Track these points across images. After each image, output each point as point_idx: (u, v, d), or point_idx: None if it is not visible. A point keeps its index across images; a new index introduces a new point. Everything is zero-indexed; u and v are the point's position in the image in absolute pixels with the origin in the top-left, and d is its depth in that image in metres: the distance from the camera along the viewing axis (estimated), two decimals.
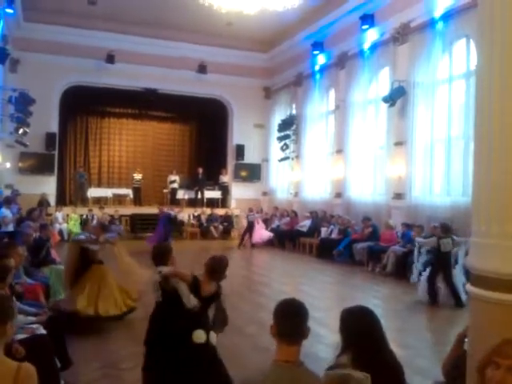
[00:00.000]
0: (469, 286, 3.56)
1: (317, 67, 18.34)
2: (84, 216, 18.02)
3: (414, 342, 6.59)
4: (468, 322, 3.53)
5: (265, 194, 22.19)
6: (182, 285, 3.96)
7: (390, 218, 13.70)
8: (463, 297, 8.37)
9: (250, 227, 17.81)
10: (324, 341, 6.31)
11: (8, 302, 2.66)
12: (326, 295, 9.95)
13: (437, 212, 12.29)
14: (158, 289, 4.15)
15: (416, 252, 10.11)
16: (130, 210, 20.04)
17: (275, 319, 2.49)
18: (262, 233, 17.91)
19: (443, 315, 8.26)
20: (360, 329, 2.94)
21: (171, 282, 4.03)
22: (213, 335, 3.92)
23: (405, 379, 3.07)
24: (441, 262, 9.02)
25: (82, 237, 7.49)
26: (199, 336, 3.80)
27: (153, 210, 20.03)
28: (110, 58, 19.12)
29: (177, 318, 3.88)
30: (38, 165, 18.80)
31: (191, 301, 3.88)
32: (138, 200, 21.41)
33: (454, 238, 9.10)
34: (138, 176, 21.68)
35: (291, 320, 2.46)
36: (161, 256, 4.38)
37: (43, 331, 4.47)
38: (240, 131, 22.08)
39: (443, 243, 8.94)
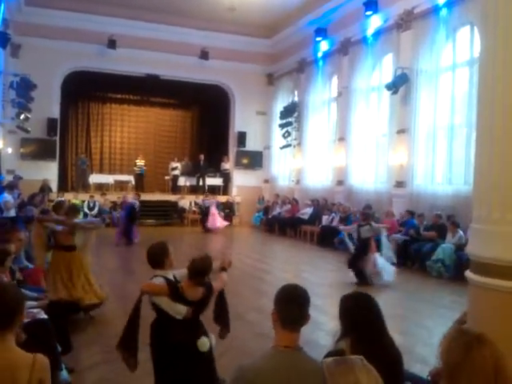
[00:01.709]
0: (468, 273, 3.56)
1: (320, 54, 18.21)
2: (86, 202, 18.05)
3: (415, 330, 6.61)
4: (467, 308, 3.54)
5: (266, 181, 22.17)
6: (163, 300, 3.65)
7: (392, 206, 13.70)
8: (383, 279, 9.26)
9: (206, 213, 18.20)
10: (324, 328, 6.33)
11: (20, 292, 2.67)
12: (326, 282, 9.98)
13: (438, 200, 12.29)
14: (149, 303, 3.82)
15: (347, 239, 10.80)
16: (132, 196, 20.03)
17: (277, 305, 2.49)
18: (215, 218, 18.21)
19: (444, 303, 8.29)
20: (359, 315, 2.94)
21: (151, 301, 3.72)
22: (212, 337, 3.83)
23: (403, 365, 3.08)
24: (361, 248, 9.64)
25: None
26: (204, 344, 3.67)
27: (155, 196, 20.10)
28: (112, 44, 19.01)
29: (175, 329, 3.65)
30: (40, 150, 18.78)
31: (180, 311, 3.64)
32: (140, 187, 21.42)
33: (373, 225, 9.74)
34: (140, 162, 21.66)
35: (294, 306, 2.47)
36: (155, 258, 3.92)
37: (44, 316, 4.49)
38: (242, 118, 22.00)
39: (362, 230, 9.59)
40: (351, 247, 10.30)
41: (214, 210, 18.32)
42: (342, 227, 11.33)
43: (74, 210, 7.25)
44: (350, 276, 9.64)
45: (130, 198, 16.21)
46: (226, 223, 18.51)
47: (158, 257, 3.91)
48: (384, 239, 10.11)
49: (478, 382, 1.88)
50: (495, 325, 3.11)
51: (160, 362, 3.73)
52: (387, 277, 9.32)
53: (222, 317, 4.02)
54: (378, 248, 9.83)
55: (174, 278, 3.87)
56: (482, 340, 1.94)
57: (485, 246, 3.38)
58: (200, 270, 3.74)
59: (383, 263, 9.43)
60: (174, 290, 3.62)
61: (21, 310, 2.53)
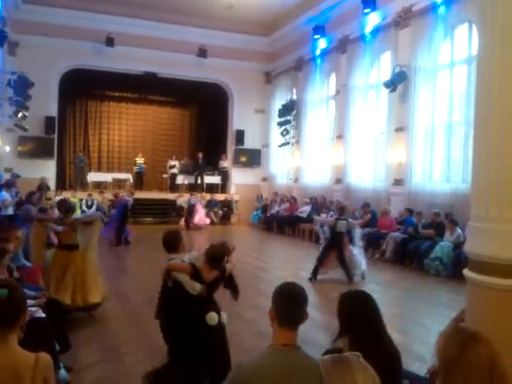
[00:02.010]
0: (466, 271, 3.56)
1: (318, 51, 18.19)
2: (84, 201, 18.02)
3: (412, 328, 6.62)
4: (464, 307, 3.54)
5: (264, 179, 22.17)
6: (183, 276, 4.12)
7: (390, 205, 13.71)
8: (358, 275, 9.53)
9: (191, 210, 18.46)
10: (322, 326, 6.33)
11: (23, 292, 2.66)
12: (324, 281, 9.97)
13: (436, 198, 12.30)
14: (168, 277, 4.31)
15: (319, 229, 10.73)
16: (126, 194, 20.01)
17: (275, 304, 2.49)
18: (201, 216, 18.59)
19: (442, 301, 8.30)
20: (357, 313, 2.94)
21: (172, 275, 4.20)
22: (224, 316, 4.15)
23: (401, 363, 3.08)
24: (335, 241, 9.75)
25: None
26: (212, 318, 3.99)
27: (153, 195, 20.10)
28: (110, 41, 18.96)
29: (187, 303, 4.07)
30: (38, 149, 18.73)
31: (196, 288, 4.06)
32: (139, 185, 21.39)
33: (349, 220, 9.95)
34: (140, 160, 21.62)
35: (292, 305, 2.47)
36: (170, 244, 4.47)
37: (42, 314, 4.48)
38: (240, 116, 21.98)
39: (339, 224, 9.69)
40: (323, 237, 10.32)
41: (199, 208, 18.47)
42: (317, 218, 11.16)
43: (70, 207, 7.23)
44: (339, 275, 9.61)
45: (124, 195, 16.01)
46: (207, 221, 18.98)
47: (172, 242, 4.47)
48: (357, 233, 10.14)
49: (473, 379, 1.88)
50: (493, 323, 3.12)
51: (172, 331, 4.19)
52: (363, 266, 9.70)
53: (232, 286, 4.44)
54: (350, 240, 10.01)
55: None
56: (477, 338, 1.94)
57: (483, 244, 3.38)
58: (218, 256, 4.18)
59: (357, 254, 9.76)
60: (194, 271, 4.08)
61: (25, 310, 2.53)
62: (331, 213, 15.49)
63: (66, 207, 7.20)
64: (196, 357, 4.04)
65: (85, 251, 6.62)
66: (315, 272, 9.62)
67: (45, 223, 6.79)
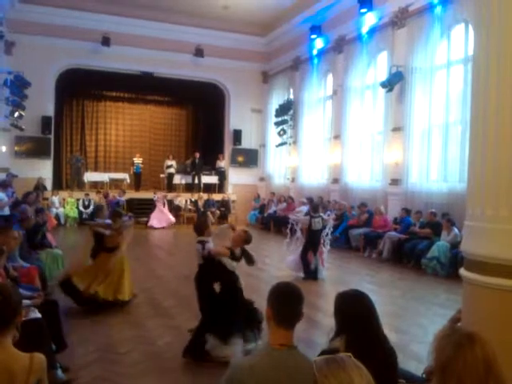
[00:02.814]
0: (462, 271, 3.56)
1: (314, 51, 18.20)
2: (81, 200, 18.01)
3: (409, 328, 6.62)
4: (461, 306, 3.54)
5: (262, 179, 22.17)
6: (224, 258, 5.34)
7: (387, 204, 13.74)
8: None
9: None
10: (319, 325, 6.34)
11: (18, 294, 2.65)
12: (321, 280, 9.98)
13: (433, 198, 12.32)
14: (199, 255, 5.64)
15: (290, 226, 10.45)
16: (127, 194, 20.00)
17: (272, 303, 2.49)
18: (160, 216, 18.16)
19: (439, 300, 8.31)
20: (354, 312, 2.94)
21: (216, 258, 5.38)
22: (242, 282, 5.50)
23: (398, 363, 3.08)
24: (312, 239, 9.76)
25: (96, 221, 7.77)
26: (241, 282, 5.46)
27: (150, 194, 20.06)
28: (106, 41, 18.94)
29: (227, 276, 5.36)
30: (34, 148, 18.69)
31: (233, 265, 5.38)
32: (137, 184, 21.37)
33: (323, 216, 9.99)
34: (138, 160, 21.60)
35: (290, 304, 2.47)
36: (200, 228, 5.87)
37: (38, 314, 4.47)
38: (237, 116, 21.98)
39: (314, 222, 9.71)
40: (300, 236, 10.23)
41: (160, 207, 18.30)
42: (292, 216, 10.72)
43: (118, 213, 7.58)
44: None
45: (116, 195, 15.84)
46: (172, 221, 18.43)
47: (201, 227, 5.88)
48: (329, 229, 10.14)
49: (468, 380, 1.88)
50: (489, 322, 3.12)
51: (212, 298, 5.34)
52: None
53: (247, 256, 5.56)
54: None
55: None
56: (473, 338, 1.95)
57: (478, 243, 3.38)
58: (248, 240, 5.52)
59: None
60: (232, 253, 5.35)
61: (20, 311, 2.52)
62: (328, 212, 15.51)
63: (114, 213, 7.61)
64: (230, 313, 5.22)
65: (122, 253, 7.20)
66: (308, 271, 9.65)
67: (95, 229, 7.25)
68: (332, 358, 1.70)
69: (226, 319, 5.18)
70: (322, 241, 9.88)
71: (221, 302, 5.29)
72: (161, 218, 18.23)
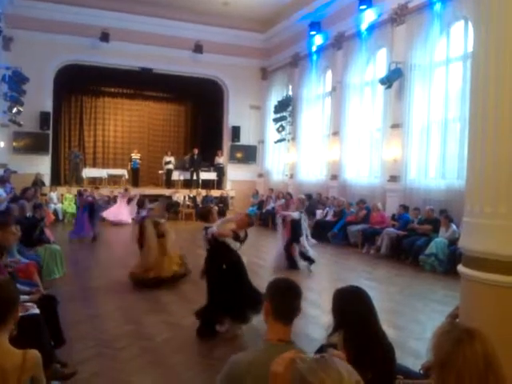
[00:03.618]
0: (460, 267, 3.57)
1: (314, 48, 18.17)
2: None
3: (407, 324, 6.63)
4: (459, 303, 3.55)
5: (260, 175, 22.16)
6: (228, 239, 5.89)
7: (386, 201, 13.74)
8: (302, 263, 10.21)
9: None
10: (317, 321, 6.34)
11: (15, 289, 2.61)
12: (320, 277, 10.00)
13: (432, 195, 12.33)
14: (206, 240, 6.05)
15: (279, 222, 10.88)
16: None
17: (270, 298, 2.49)
18: (117, 211, 17.42)
19: (437, 297, 8.33)
20: (352, 308, 2.94)
21: (219, 239, 5.89)
22: (245, 258, 6.13)
23: (395, 359, 3.09)
24: (297, 233, 10.29)
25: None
26: (244, 260, 6.08)
27: (149, 190, 20.04)
28: (105, 37, 18.88)
29: (231, 254, 5.91)
30: (32, 144, 18.66)
31: (236, 245, 5.95)
32: (135, 180, 21.34)
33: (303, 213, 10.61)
34: (136, 156, 21.56)
35: (287, 299, 2.48)
36: (203, 216, 6.36)
37: (36, 310, 4.46)
38: (236, 112, 21.96)
39: (302, 217, 10.34)
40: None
41: (122, 204, 17.59)
42: (284, 212, 10.85)
43: (172, 205, 8.54)
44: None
45: (89, 194, 15.18)
46: (127, 221, 17.13)
47: (205, 214, 6.35)
48: (305, 222, 10.65)
49: (468, 375, 1.88)
50: (487, 318, 3.13)
51: (221, 275, 5.78)
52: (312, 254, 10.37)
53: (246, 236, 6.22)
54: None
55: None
56: (472, 334, 1.95)
57: (477, 239, 3.38)
58: (251, 223, 6.34)
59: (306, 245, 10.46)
60: (235, 235, 5.93)
61: (16, 308, 2.48)
62: (327, 209, 15.54)
63: (169, 204, 8.49)
64: (236, 289, 5.71)
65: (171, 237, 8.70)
66: (294, 263, 10.14)
67: (154, 219, 8.50)
68: (317, 357, 1.67)
69: (238, 299, 5.63)
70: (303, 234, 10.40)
71: (229, 279, 5.75)
72: (117, 213, 17.34)
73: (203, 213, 6.44)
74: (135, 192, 18.25)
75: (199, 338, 5.67)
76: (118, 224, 17.02)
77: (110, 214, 17.38)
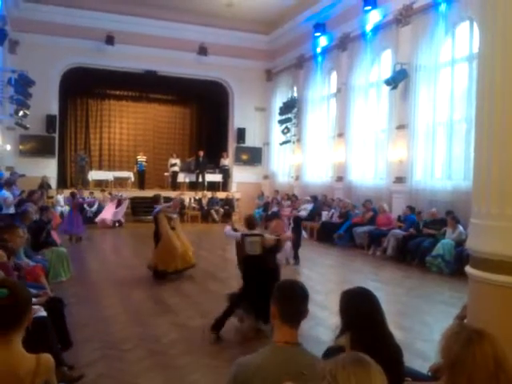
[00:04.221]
0: (468, 268, 3.55)
1: (318, 49, 18.15)
2: (85, 198, 17.99)
3: (414, 326, 6.61)
4: (467, 304, 3.53)
5: (266, 177, 22.16)
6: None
7: (392, 202, 13.71)
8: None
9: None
10: (324, 323, 6.33)
11: (27, 291, 2.59)
12: (326, 278, 9.98)
13: (438, 196, 12.28)
14: (258, 246, 6.29)
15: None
16: (131, 193, 20.05)
17: (277, 301, 2.49)
18: (105, 214, 17.41)
19: (444, 298, 8.29)
20: (359, 310, 2.93)
21: (278, 244, 6.66)
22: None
23: (403, 361, 3.07)
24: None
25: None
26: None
27: (154, 193, 20.01)
28: (110, 40, 18.97)
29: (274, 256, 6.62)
30: (39, 147, 18.75)
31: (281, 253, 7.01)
32: (141, 183, 21.39)
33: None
34: (141, 158, 21.59)
35: (294, 301, 2.48)
36: (252, 223, 6.63)
37: (44, 313, 4.47)
38: (241, 114, 21.98)
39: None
40: None
41: (111, 207, 17.61)
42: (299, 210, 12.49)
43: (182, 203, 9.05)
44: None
45: (79, 195, 15.26)
46: (107, 223, 17.22)
47: (254, 222, 6.70)
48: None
49: (479, 376, 1.87)
50: (495, 319, 3.11)
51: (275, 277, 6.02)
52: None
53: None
54: None
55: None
56: (482, 334, 1.94)
57: (484, 240, 3.37)
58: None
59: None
60: (276, 241, 6.51)
61: (29, 309, 2.47)
62: (332, 211, 15.53)
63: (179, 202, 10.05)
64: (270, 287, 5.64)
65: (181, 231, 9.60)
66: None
67: (167, 214, 9.27)
68: (357, 357, 1.68)
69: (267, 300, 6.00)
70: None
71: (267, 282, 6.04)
72: (104, 214, 17.40)
73: (252, 221, 6.76)
74: (125, 195, 18.39)
75: (214, 327, 5.76)
76: (103, 225, 16.99)
77: (98, 217, 17.37)
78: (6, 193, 11.51)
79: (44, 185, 17.47)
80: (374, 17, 14.89)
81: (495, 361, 1.88)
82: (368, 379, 1.59)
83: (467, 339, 1.93)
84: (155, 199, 9.52)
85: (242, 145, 21.99)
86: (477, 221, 3.52)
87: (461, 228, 10.46)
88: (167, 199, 10.98)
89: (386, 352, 2.84)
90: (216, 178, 21.71)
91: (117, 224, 17.46)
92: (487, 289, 3.28)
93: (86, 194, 17.94)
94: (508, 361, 1.90)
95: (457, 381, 1.91)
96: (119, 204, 17.72)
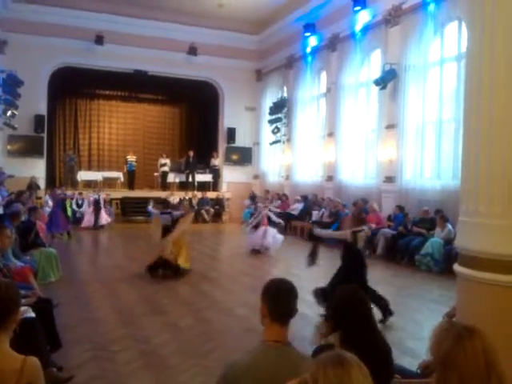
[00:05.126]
0: (456, 266, 3.58)
1: (308, 49, 18.17)
2: (74, 199, 17.90)
3: (404, 324, 6.65)
4: (455, 302, 3.55)
5: (256, 177, 22.16)
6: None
7: (381, 202, 13.76)
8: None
9: (97, 207, 17.21)
10: (313, 322, 6.35)
11: (16, 291, 2.57)
12: (316, 278, 9.98)
13: (427, 195, 12.35)
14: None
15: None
16: (120, 193, 19.96)
17: (266, 300, 2.49)
18: (89, 217, 17.12)
19: (433, 296, 8.34)
20: (348, 309, 2.95)
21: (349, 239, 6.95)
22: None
23: (392, 359, 3.09)
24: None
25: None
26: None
27: (144, 193, 20.01)
28: (99, 40, 18.87)
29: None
30: (27, 147, 18.59)
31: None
32: (131, 183, 21.29)
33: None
34: (131, 158, 21.48)
35: (284, 300, 2.47)
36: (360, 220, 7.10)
37: (32, 314, 4.43)
38: (231, 114, 21.96)
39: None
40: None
41: (87, 210, 17.34)
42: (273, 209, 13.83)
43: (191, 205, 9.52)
44: None
45: (59, 191, 15.40)
46: (88, 223, 16.92)
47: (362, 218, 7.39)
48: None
49: (470, 372, 1.89)
50: (483, 317, 3.14)
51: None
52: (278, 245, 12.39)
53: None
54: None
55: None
56: (471, 331, 1.95)
57: (472, 239, 3.40)
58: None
59: (273, 234, 12.48)
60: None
61: (17, 310, 2.45)
62: (323, 210, 15.56)
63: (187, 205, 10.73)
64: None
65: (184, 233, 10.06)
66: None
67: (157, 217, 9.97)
68: (336, 354, 1.68)
69: None
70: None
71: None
72: (90, 218, 17.08)
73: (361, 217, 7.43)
74: (103, 195, 18.04)
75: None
76: (85, 226, 16.75)
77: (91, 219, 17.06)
78: None
79: (33, 185, 17.33)
80: (363, 17, 14.94)
81: (486, 356, 1.89)
82: (348, 379, 1.60)
83: (457, 336, 1.94)
84: (173, 206, 10.85)
85: (232, 145, 21.98)
86: (465, 219, 3.55)
87: (450, 226, 10.53)
88: (157, 200, 11.31)
89: (375, 350, 2.85)
90: (206, 178, 21.66)
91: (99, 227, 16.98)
92: (475, 286, 3.31)
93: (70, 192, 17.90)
94: (496, 356, 1.92)
95: (448, 377, 1.92)
96: (97, 208, 17.11)
